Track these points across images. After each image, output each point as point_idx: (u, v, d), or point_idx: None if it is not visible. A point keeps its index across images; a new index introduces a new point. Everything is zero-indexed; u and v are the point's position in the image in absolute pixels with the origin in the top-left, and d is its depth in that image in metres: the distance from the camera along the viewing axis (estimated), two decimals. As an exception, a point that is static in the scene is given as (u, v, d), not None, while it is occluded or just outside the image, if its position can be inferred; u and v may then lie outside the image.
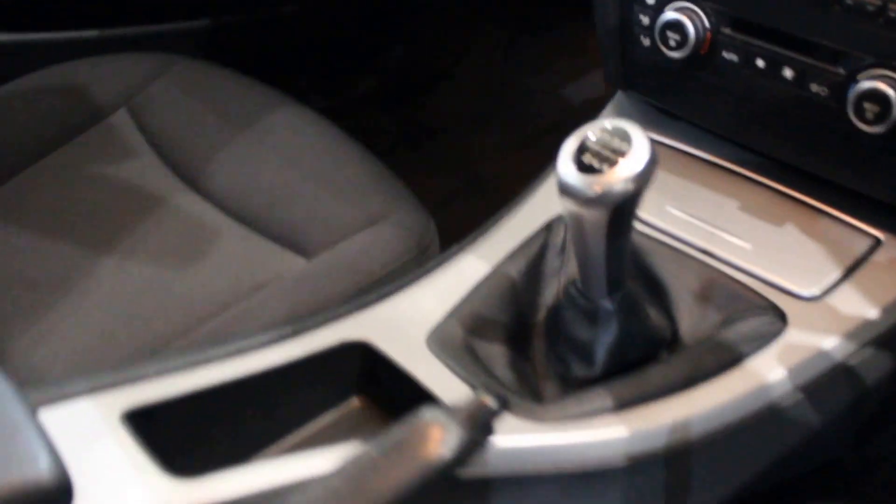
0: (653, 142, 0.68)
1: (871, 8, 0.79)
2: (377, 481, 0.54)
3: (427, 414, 0.58)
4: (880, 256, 0.86)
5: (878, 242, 0.87)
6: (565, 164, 0.68)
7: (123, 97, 1.35)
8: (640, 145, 0.67)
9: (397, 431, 0.56)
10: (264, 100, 1.30)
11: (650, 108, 1.05)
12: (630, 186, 0.67)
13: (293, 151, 1.21)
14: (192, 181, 1.21)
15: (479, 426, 0.59)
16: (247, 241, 1.12)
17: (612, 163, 0.67)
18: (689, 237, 0.91)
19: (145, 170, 1.25)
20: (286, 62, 1.95)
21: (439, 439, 0.56)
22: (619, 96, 1.08)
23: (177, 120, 1.31)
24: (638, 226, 0.91)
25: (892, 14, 0.78)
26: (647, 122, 1.03)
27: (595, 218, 0.69)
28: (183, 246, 1.11)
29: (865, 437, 0.93)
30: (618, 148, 0.68)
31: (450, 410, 0.59)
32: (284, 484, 0.62)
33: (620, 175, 0.66)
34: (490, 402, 0.60)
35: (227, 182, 1.20)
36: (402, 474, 0.54)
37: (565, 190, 0.68)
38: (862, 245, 0.88)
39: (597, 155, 0.68)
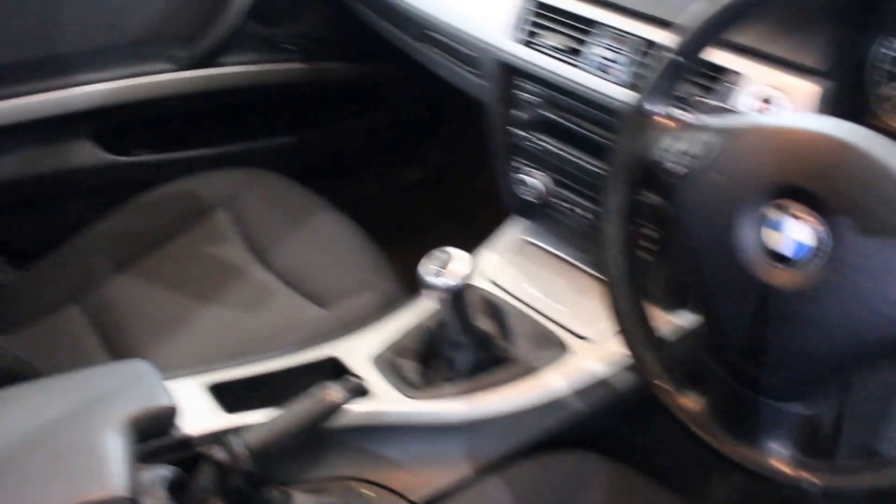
0: (468, 260, 1.34)
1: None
2: (305, 412, 1.21)
3: (331, 384, 1.24)
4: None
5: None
6: (423, 270, 1.35)
7: (224, 200, 1.97)
8: (458, 264, 1.34)
9: (318, 391, 1.24)
10: (312, 204, 1.95)
11: (533, 223, 1.73)
12: (454, 283, 1.34)
13: (324, 242, 1.86)
14: (263, 259, 1.84)
15: (353, 393, 1.26)
16: (290, 297, 1.74)
17: (445, 271, 1.34)
18: (533, 303, 1.59)
19: (234, 251, 1.87)
20: (348, 161, 2.62)
21: (335, 396, 1.23)
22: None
23: (257, 218, 1.92)
24: (504, 295, 1.61)
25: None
26: (531, 230, 1.73)
27: (441, 298, 1.36)
28: (253, 300, 1.76)
29: (632, 421, 1.55)
30: (449, 265, 1.34)
31: (343, 384, 1.26)
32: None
33: (446, 279, 1.33)
34: (360, 385, 1.27)
35: (283, 260, 1.82)
36: (316, 409, 1.21)
37: (422, 284, 1.35)
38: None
39: (440, 267, 1.34)
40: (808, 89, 1.21)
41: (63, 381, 1.24)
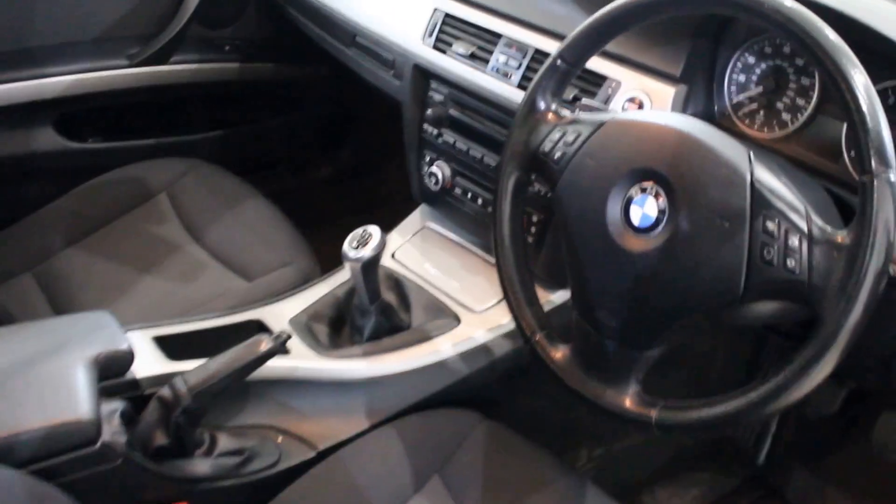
0: (382, 237, 1.51)
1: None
2: (236, 358, 1.36)
3: (261, 336, 1.39)
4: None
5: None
6: (346, 245, 1.52)
7: (165, 186, 2.13)
8: (374, 240, 1.51)
9: (250, 341, 1.39)
10: (241, 191, 2.13)
11: (433, 211, 1.91)
12: (367, 255, 1.50)
13: (252, 223, 2.03)
14: (197, 238, 2.01)
15: (278, 344, 1.41)
16: (220, 271, 1.92)
17: (363, 246, 1.51)
18: (431, 279, 1.76)
19: (172, 231, 2.03)
20: (272, 155, 2.80)
21: (262, 346, 1.37)
22: (423, 205, 1.94)
23: (193, 202, 2.09)
24: (408, 273, 1.77)
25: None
26: (432, 217, 1.91)
27: (355, 268, 1.53)
28: (187, 273, 1.92)
29: (512, 390, 1.73)
30: (366, 240, 1.51)
31: (272, 337, 1.40)
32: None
33: (363, 252, 1.50)
34: (283, 337, 1.43)
35: (214, 239, 2.00)
36: (246, 356, 1.36)
37: (343, 256, 1.52)
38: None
39: (358, 241, 1.52)
40: (667, 92, 1.42)
41: (37, 326, 1.43)
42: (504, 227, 1.36)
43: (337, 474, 1.44)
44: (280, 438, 1.56)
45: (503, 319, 1.65)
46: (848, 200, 1.22)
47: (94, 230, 2.07)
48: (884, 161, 0.97)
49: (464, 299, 1.72)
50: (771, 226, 1.05)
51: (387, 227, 1.91)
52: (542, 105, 1.32)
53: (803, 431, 2.03)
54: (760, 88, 1.39)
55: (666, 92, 1.42)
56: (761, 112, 1.40)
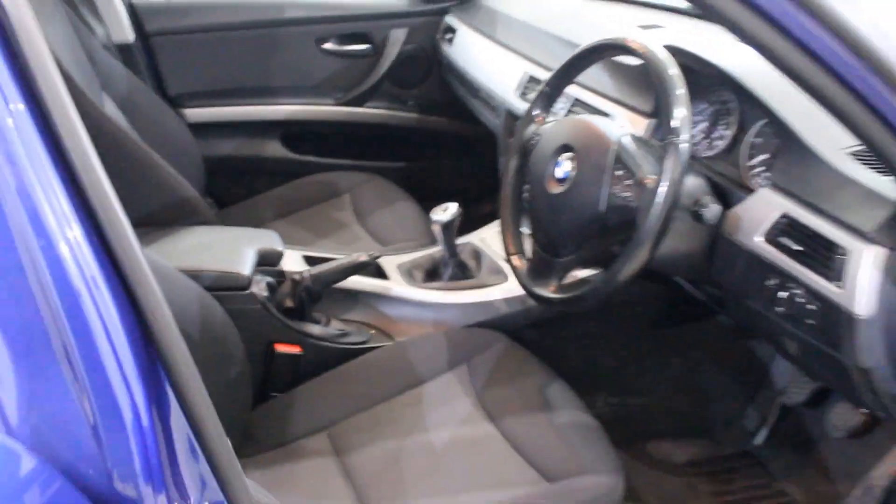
0: (458, 210, 2.12)
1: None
2: (342, 263, 2.02)
3: (361, 252, 2.06)
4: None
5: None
6: (432, 213, 2.15)
7: (349, 189, 2.75)
8: (451, 210, 2.13)
9: (353, 255, 2.05)
10: (400, 196, 2.73)
11: None
12: (445, 219, 2.12)
13: (400, 215, 2.63)
14: (362, 222, 2.59)
15: (370, 259, 2.05)
16: (369, 241, 2.49)
17: (444, 214, 2.14)
18: (500, 253, 2.33)
19: (347, 216, 2.65)
20: (444, 188, 3.26)
21: (360, 258, 2.03)
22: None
23: (366, 201, 2.69)
24: (486, 250, 2.35)
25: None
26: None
27: (436, 228, 2.15)
28: (347, 240, 2.52)
29: (542, 332, 2.26)
30: (446, 209, 2.13)
31: (368, 254, 2.07)
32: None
33: (443, 216, 2.12)
34: (375, 255, 2.07)
35: (373, 223, 2.58)
36: (348, 263, 2.02)
37: (431, 220, 2.15)
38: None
39: (442, 211, 2.14)
40: (643, 123, 1.93)
41: (234, 228, 2.18)
42: (506, 191, 1.93)
43: (399, 351, 1.99)
44: (372, 331, 2.16)
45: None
46: (730, 191, 1.67)
47: (295, 211, 2.72)
48: (676, 133, 1.47)
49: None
50: (620, 174, 1.54)
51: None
52: (535, 112, 1.89)
53: (794, 423, 2.31)
54: (706, 124, 1.84)
55: (642, 122, 1.94)
56: (704, 139, 1.81)
